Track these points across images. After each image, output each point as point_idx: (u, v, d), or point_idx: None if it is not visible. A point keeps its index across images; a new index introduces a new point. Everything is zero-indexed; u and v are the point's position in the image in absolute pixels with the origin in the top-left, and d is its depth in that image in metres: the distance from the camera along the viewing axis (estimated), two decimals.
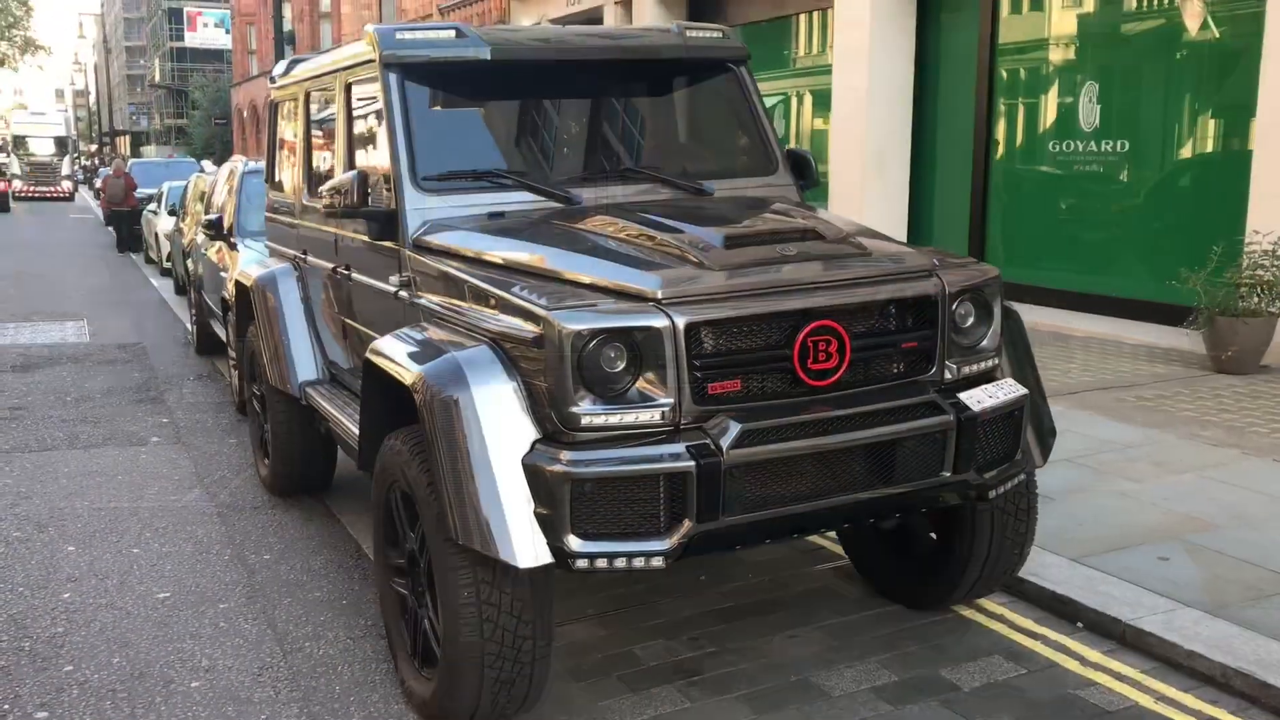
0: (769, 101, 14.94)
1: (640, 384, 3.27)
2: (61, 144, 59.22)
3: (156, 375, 9.65)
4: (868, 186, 12.10)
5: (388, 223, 4.29)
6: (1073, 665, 3.99)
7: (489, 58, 4.44)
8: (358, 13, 30.11)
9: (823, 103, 13.66)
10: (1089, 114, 10.36)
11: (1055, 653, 4.09)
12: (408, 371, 3.56)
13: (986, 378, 3.79)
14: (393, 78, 4.39)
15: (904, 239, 12.26)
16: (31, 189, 48.56)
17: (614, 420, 3.24)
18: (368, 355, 3.91)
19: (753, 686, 3.90)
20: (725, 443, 3.22)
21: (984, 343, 3.78)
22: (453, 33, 4.47)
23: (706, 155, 4.98)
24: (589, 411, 3.21)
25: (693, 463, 3.18)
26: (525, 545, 3.21)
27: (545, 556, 3.23)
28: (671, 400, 3.27)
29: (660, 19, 16.31)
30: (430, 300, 4.02)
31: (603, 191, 4.43)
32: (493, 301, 3.58)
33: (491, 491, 3.23)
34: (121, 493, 6.18)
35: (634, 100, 4.88)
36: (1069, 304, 10.41)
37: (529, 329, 3.31)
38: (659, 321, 3.23)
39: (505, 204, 4.30)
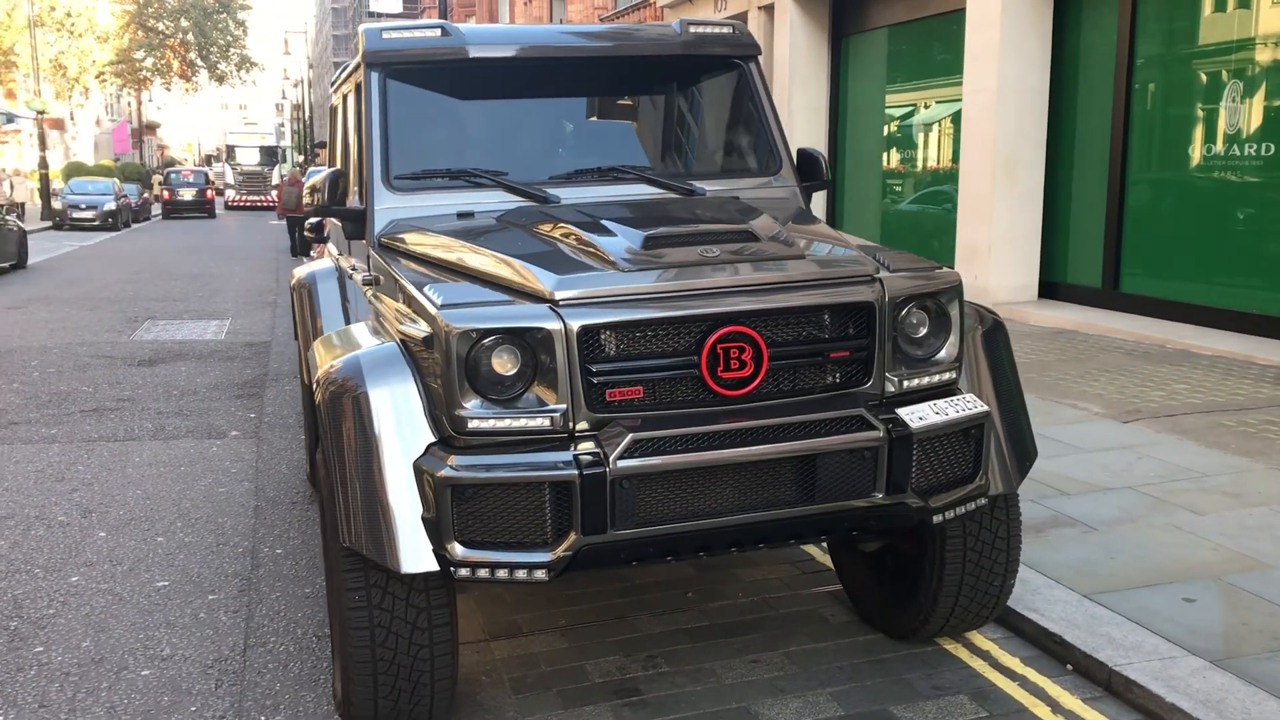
0: (928, 114, 14.49)
1: (534, 388, 3.14)
2: (270, 154, 62.64)
3: (267, 372, 10.02)
4: (997, 194, 11.53)
5: (357, 221, 4.29)
6: (1043, 712, 3.62)
7: (473, 56, 4.40)
8: (530, 23, 30.78)
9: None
10: (1231, 118, 9.58)
11: (1029, 696, 3.72)
12: (319, 368, 3.54)
13: (942, 392, 3.48)
14: (374, 76, 4.39)
15: (1036, 249, 11.70)
16: (243, 198, 51.53)
17: (503, 425, 3.12)
18: (309, 351, 3.91)
19: (688, 711, 3.70)
20: (613, 453, 3.06)
21: (940, 354, 3.48)
22: (438, 31, 4.44)
23: (705, 155, 4.79)
24: (476, 414, 3.10)
25: (576, 472, 3.03)
26: (408, 550, 3.12)
27: (429, 563, 3.13)
28: (564, 406, 3.12)
29: (802, 24, 16.04)
30: (381, 298, 3.99)
31: (584, 192, 4.30)
32: (406, 299, 3.52)
33: (378, 494, 3.16)
34: (176, 483, 6.41)
35: (629, 99, 4.74)
36: (1202, 320, 9.67)
37: (424, 328, 3.23)
38: (551, 323, 3.10)
39: (480, 204, 4.23)
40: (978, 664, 3.97)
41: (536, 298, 3.20)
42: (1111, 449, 6.24)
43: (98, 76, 55.76)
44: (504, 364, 3.11)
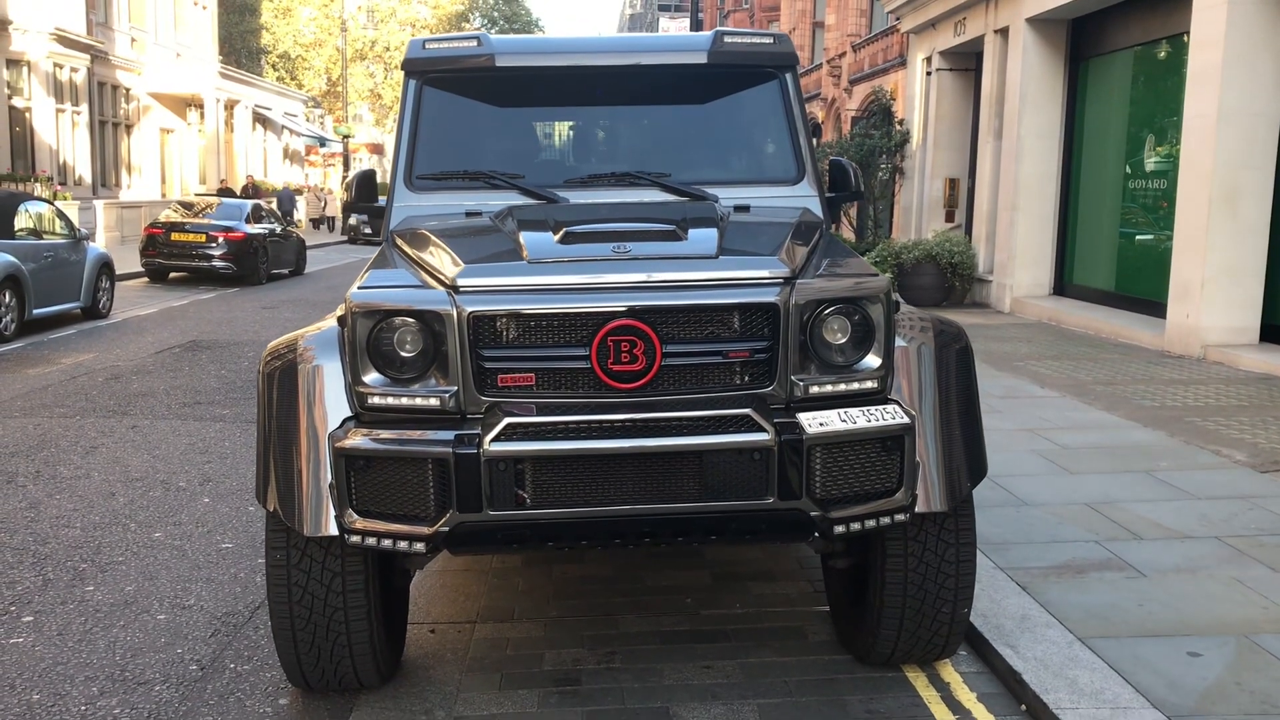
0: (1165, 140, 13.57)
1: (434, 369, 3.30)
2: None
3: None
4: (1214, 226, 10.62)
5: (377, 217, 4.60)
6: None
7: (504, 66, 4.61)
8: None
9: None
10: None
11: None
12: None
13: (863, 400, 3.37)
14: (412, 83, 4.68)
15: (1259, 289, 10.68)
16: None
17: (399, 402, 3.29)
18: None
19: (611, 705, 3.73)
20: (488, 435, 3.17)
21: (862, 362, 3.37)
22: (474, 42, 4.68)
23: (727, 162, 4.79)
24: (375, 390, 3.29)
25: (450, 450, 3.16)
26: (311, 514, 3.35)
27: (330, 528, 3.34)
28: (455, 388, 3.26)
29: (1036, 47, 15.36)
30: None
31: (594, 195, 4.42)
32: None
33: (294, 461, 3.41)
34: None
35: (655, 107, 4.81)
36: None
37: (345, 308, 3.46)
38: (444, 307, 3.25)
39: (493, 204, 4.42)
40: (929, 695, 3.78)
41: (445, 284, 3.37)
42: (1225, 498, 5.69)
43: None
44: (405, 344, 3.29)
